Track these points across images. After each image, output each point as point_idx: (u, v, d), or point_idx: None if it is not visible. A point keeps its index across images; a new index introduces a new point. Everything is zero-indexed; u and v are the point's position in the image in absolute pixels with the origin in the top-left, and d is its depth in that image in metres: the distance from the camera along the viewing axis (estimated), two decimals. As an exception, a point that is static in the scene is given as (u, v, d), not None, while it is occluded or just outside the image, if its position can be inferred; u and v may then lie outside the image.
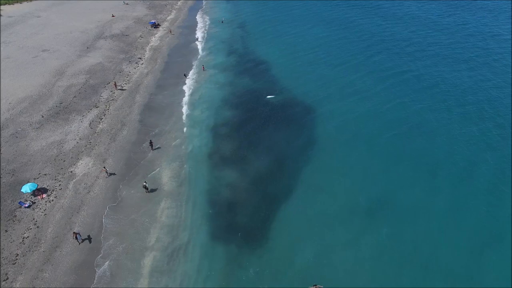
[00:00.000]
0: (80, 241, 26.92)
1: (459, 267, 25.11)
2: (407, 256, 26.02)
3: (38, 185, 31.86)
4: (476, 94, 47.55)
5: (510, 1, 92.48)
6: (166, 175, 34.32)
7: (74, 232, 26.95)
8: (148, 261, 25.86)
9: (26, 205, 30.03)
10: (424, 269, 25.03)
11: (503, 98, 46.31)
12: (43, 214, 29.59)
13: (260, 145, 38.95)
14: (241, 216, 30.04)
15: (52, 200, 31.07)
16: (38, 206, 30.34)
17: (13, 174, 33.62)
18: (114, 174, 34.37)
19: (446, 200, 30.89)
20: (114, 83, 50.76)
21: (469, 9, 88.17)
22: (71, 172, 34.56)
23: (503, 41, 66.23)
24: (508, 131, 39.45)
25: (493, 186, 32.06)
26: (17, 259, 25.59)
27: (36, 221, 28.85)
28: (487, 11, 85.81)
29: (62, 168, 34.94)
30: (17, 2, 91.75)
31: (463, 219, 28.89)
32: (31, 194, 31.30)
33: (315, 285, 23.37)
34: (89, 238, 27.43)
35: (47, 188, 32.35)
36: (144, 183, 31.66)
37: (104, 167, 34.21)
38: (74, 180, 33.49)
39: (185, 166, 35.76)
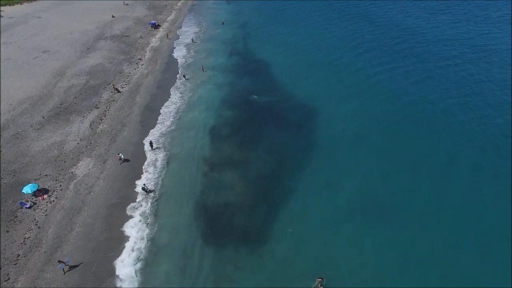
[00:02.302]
0: (65, 269, 24.62)
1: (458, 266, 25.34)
2: (409, 256, 26.21)
3: (39, 185, 32.02)
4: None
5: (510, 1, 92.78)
6: (165, 176, 34.46)
7: (58, 261, 24.59)
8: (148, 260, 26.07)
9: (27, 206, 30.20)
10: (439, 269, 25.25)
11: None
12: (44, 214, 29.76)
13: (259, 145, 39.14)
14: (239, 216, 30.17)
15: (53, 201, 31.24)
16: (39, 207, 30.50)
17: (14, 175, 33.79)
18: (128, 160, 35.91)
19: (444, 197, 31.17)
20: (113, 85, 50.72)
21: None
22: (72, 173, 34.72)
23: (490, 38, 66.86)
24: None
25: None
26: (18, 259, 25.75)
27: (37, 221, 29.02)
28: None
29: (62, 169, 35.10)
30: (18, 3, 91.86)
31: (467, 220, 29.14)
32: (32, 195, 31.46)
33: (320, 278, 23.83)
34: (76, 265, 25.25)
35: (48, 188, 32.52)
36: (143, 185, 31.88)
37: (119, 154, 35.94)
38: (74, 181, 33.66)
39: (185, 166, 35.92)
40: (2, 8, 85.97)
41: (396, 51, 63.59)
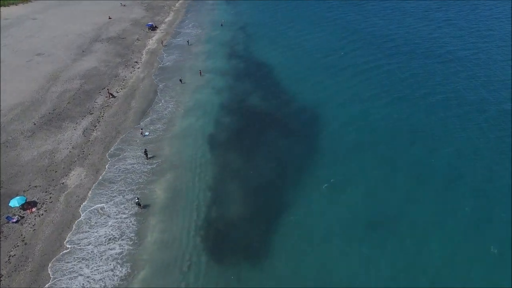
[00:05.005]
0: None
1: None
2: (414, 269, 25.00)
3: (27, 198, 30.56)
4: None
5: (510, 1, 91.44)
6: (161, 188, 32.96)
7: None
8: (141, 275, 24.67)
9: (14, 220, 28.76)
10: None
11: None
12: (31, 229, 28.30)
13: (259, 153, 37.75)
14: (240, 228, 28.87)
15: (42, 214, 29.78)
16: (26, 221, 29.05)
17: (1, 187, 32.31)
18: (148, 133, 40.31)
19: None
20: (107, 90, 49.21)
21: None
22: (63, 183, 33.27)
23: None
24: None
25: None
26: (1, 280, 24.25)
27: (24, 237, 27.56)
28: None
29: (53, 180, 33.65)
30: (13, 4, 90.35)
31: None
32: (20, 208, 30.02)
33: None
34: None
35: (37, 201, 31.06)
36: (137, 200, 30.30)
37: (142, 129, 40.67)
38: (65, 192, 32.21)
39: (181, 177, 34.45)
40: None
41: (399, 52, 62.18)
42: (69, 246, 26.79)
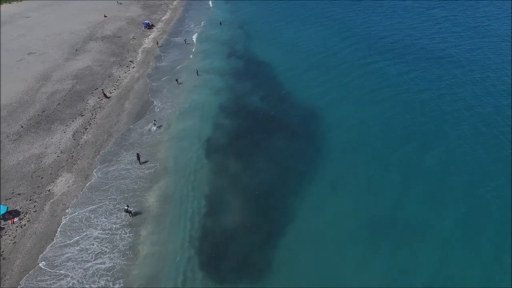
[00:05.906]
0: None
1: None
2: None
3: (8, 207, 28.34)
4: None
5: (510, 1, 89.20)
6: (153, 195, 30.71)
7: None
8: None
9: (-7, 232, 26.57)
10: None
11: None
12: (11, 242, 26.08)
13: (259, 158, 35.48)
14: (238, 242, 26.66)
15: (24, 225, 27.55)
16: (7, 233, 26.84)
17: (-17, 194, 30.14)
18: (161, 126, 39.97)
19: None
20: (102, 91, 47.04)
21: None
22: (49, 191, 31.03)
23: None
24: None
25: None
26: (-25, 301, 22.13)
27: (3, 251, 25.33)
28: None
29: (39, 187, 31.41)
30: (7, 2, 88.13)
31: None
32: (1, 218, 27.77)
33: None
34: None
35: (20, 210, 28.83)
36: (126, 207, 27.97)
37: (154, 120, 40.13)
38: (51, 201, 29.99)
39: (176, 183, 32.22)
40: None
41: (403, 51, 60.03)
42: (42, 264, 24.44)
